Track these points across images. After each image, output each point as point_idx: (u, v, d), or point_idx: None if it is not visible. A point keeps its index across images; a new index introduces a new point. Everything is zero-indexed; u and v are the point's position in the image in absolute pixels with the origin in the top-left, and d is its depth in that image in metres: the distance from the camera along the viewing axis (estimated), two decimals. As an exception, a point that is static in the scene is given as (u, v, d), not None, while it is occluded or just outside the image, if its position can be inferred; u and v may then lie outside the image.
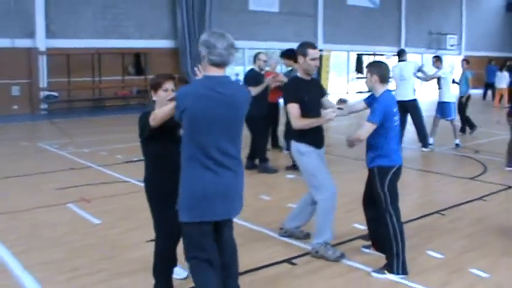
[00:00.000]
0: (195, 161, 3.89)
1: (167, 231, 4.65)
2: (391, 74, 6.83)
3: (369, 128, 5.29)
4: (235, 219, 4.34)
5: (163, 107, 4.33)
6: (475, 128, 15.17)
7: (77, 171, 10.24)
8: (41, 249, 5.99)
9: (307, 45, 5.85)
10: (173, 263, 4.84)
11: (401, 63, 12.65)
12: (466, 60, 16.02)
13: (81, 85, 21.54)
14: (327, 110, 5.86)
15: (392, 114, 5.30)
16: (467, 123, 15.23)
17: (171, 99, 4.19)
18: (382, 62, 5.70)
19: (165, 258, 4.71)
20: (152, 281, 4.74)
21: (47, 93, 20.87)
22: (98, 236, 6.45)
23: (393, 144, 5.37)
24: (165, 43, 23.63)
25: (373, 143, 5.38)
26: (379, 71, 5.42)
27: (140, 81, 22.82)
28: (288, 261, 5.64)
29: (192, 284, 4.80)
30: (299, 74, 5.96)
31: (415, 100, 12.36)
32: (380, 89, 5.41)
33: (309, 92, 5.78)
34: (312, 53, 5.76)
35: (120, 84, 22.75)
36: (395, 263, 5.21)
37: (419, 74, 13.18)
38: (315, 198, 5.85)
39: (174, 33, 23.77)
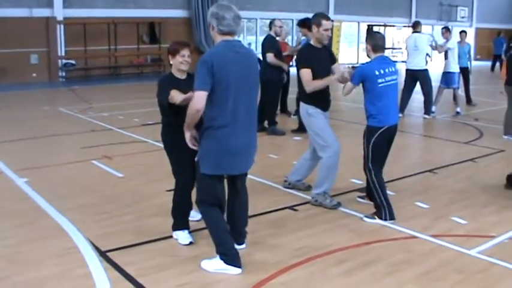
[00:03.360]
0: (219, 119, 4.44)
1: (183, 179, 5.36)
2: (405, 45, 7.12)
3: (349, 85, 6.07)
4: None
5: (179, 95, 4.96)
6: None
7: (97, 132, 11.02)
8: (73, 197, 6.77)
9: (321, 16, 6.41)
10: (189, 206, 5.54)
11: (415, 34, 13.24)
12: (464, 32, 16.35)
13: (97, 53, 22.25)
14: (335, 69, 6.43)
15: (373, 77, 5.85)
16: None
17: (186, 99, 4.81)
18: (377, 32, 6.39)
19: (182, 201, 5.42)
20: (171, 222, 5.47)
21: (64, 61, 21.59)
22: (122, 187, 7.24)
23: (381, 106, 5.91)
24: (179, 13, 24.19)
25: (364, 105, 6.07)
26: (372, 40, 6.04)
27: (154, 49, 23.50)
28: (290, 208, 6.39)
29: (205, 225, 5.57)
30: (312, 42, 6.55)
31: (426, 70, 13.00)
32: (373, 57, 6.04)
33: (319, 59, 6.37)
34: (325, 23, 6.33)
35: (135, 52, 23.42)
36: (382, 211, 5.93)
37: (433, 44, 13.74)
38: (320, 155, 6.52)
39: (187, 3, 24.30)
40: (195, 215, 5.79)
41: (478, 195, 7.00)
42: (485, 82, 20.77)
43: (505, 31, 29.87)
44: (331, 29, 6.42)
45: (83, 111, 13.72)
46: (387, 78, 5.93)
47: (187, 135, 4.73)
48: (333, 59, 6.70)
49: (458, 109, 13.75)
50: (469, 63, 15.05)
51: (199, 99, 4.35)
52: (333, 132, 6.51)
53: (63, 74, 21.65)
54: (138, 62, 23.63)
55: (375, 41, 6.03)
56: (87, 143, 9.83)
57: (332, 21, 28.51)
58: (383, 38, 6.18)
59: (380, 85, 5.89)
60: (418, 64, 12.86)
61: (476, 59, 35.34)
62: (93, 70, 22.54)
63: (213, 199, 4.71)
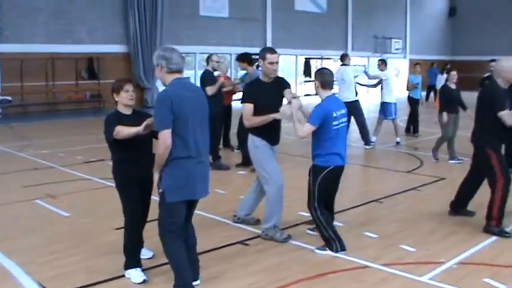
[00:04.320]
0: (184, 151, 4.64)
1: (135, 216, 5.32)
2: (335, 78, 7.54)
3: (308, 128, 5.92)
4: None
5: (129, 129, 5.00)
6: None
7: (40, 171, 10.74)
8: (18, 238, 6.58)
9: (266, 50, 6.46)
10: (140, 243, 5.50)
11: (342, 67, 13.62)
12: (419, 64, 16.91)
13: (34, 89, 21.75)
14: (281, 107, 6.24)
15: (331, 119, 5.85)
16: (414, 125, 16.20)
17: (146, 127, 4.86)
18: (325, 69, 6.36)
19: (133, 239, 5.36)
20: (122, 261, 5.38)
21: (0, 97, 21.07)
22: (69, 226, 7.07)
23: (331, 146, 5.92)
24: (117, 48, 24.00)
25: (312, 143, 6.09)
26: (321, 77, 6.06)
27: (93, 85, 23.16)
28: (241, 242, 6.39)
29: (158, 263, 5.53)
30: (260, 77, 6.60)
31: (356, 101, 13.29)
32: (323, 94, 6.05)
33: (265, 94, 6.32)
34: (269, 57, 6.34)
35: (73, 88, 23.05)
36: (332, 244, 5.99)
37: (360, 80, 14.24)
38: (264, 188, 6.57)
39: (126, 38, 24.20)
40: (146, 253, 5.74)
41: (424, 222, 7.17)
42: (421, 112, 21.32)
43: (437, 62, 30.90)
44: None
45: (22, 149, 13.37)
46: (339, 121, 5.96)
47: (156, 177, 4.79)
48: (284, 88, 6.45)
49: (397, 139, 14.07)
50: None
51: (165, 137, 4.57)
52: (277, 167, 6.55)
53: (-1, 110, 21.13)
54: (77, 98, 23.25)
55: (323, 77, 6.05)
56: (29, 182, 9.57)
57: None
58: (331, 73, 6.15)
59: (334, 127, 5.91)
60: (347, 96, 12.93)
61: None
62: (30, 106, 22.02)
63: (178, 225, 4.78)
